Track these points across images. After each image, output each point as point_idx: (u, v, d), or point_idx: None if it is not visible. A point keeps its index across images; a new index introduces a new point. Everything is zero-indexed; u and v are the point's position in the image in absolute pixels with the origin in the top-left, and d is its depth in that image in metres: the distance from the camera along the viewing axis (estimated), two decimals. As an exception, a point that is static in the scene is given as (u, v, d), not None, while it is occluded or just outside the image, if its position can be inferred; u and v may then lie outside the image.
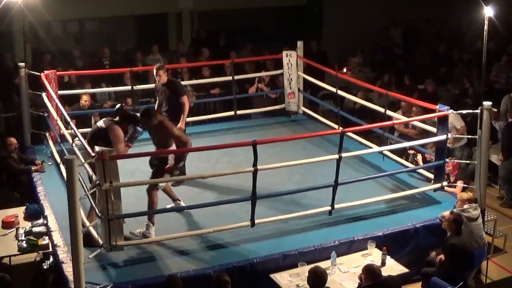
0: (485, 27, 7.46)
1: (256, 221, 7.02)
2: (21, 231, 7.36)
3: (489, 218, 8.31)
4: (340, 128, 9.83)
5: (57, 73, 9.69)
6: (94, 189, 6.27)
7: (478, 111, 7.55)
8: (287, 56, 10.86)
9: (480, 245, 7.19)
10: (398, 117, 9.31)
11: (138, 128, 7.30)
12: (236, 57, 12.11)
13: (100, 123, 7.15)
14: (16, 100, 10.54)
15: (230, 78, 10.78)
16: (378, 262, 6.65)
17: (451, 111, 7.80)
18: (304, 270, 6.36)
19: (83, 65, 11.90)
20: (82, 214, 6.82)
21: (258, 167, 6.74)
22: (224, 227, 7.03)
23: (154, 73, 8.58)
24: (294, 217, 7.38)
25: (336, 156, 7.17)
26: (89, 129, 9.73)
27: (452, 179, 8.33)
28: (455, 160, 8.46)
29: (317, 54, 13.39)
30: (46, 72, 9.38)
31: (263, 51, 12.36)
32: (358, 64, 14.33)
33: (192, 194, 8.01)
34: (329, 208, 7.34)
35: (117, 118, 7.17)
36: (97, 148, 6.13)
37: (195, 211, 7.57)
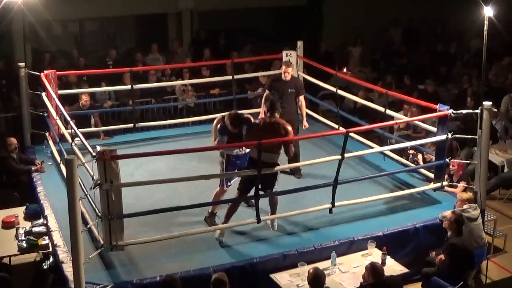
0: (485, 27, 7.46)
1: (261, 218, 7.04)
2: (21, 231, 7.35)
3: (489, 218, 8.32)
4: (341, 127, 9.91)
5: (57, 73, 9.67)
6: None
7: (478, 111, 7.56)
8: (287, 56, 10.83)
9: (480, 245, 7.20)
10: (399, 117, 9.33)
11: None
12: (236, 57, 12.10)
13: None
14: (16, 100, 10.55)
15: (230, 77, 10.77)
16: (378, 262, 6.65)
17: (451, 111, 7.80)
18: (304, 270, 6.36)
19: (85, 64, 11.90)
20: (84, 211, 6.86)
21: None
22: (228, 225, 7.05)
23: (283, 69, 8.77)
24: (294, 217, 7.38)
25: (339, 157, 7.16)
26: (89, 129, 9.83)
27: (455, 179, 8.32)
28: (460, 161, 8.47)
29: (324, 54, 13.40)
30: (46, 72, 9.38)
31: (263, 51, 12.35)
32: (359, 55, 14.34)
33: (193, 194, 8.00)
34: (329, 206, 7.33)
35: None
36: (98, 148, 6.13)
37: (196, 210, 7.53)
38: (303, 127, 8.98)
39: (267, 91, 9.01)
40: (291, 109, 8.74)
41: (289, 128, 7.13)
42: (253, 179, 6.91)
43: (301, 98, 8.97)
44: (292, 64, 8.97)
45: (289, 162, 8.09)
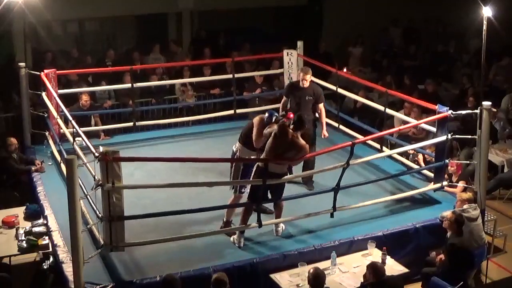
0: (484, 27, 7.47)
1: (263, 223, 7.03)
2: (21, 231, 7.36)
3: (489, 218, 8.32)
4: (341, 126, 9.93)
5: (57, 72, 9.67)
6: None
7: (477, 111, 7.56)
8: (287, 55, 10.82)
9: (480, 245, 7.20)
10: (399, 116, 9.32)
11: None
12: (236, 57, 12.09)
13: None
14: (16, 100, 10.55)
15: (230, 76, 10.76)
16: (378, 262, 6.65)
17: (450, 112, 7.80)
18: (304, 270, 6.37)
19: (84, 65, 11.91)
20: (84, 211, 6.87)
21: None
22: (229, 229, 7.07)
23: (301, 77, 8.43)
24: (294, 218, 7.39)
25: (344, 165, 7.13)
26: (88, 128, 9.81)
27: (454, 179, 8.32)
28: (458, 161, 8.48)
29: (323, 55, 13.41)
30: (46, 71, 9.37)
31: (262, 51, 12.35)
32: (360, 55, 14.34)
33: (192, 194, 8.00)
34: (331, 210, 7.30)
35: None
36: (101, 149, 6.12)
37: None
38: (322, 137, 8.75)
39: (284, 98, 8.75)
40: (308, 117, 8.36)
41: (305, 145, 7.00)
42: (265, 188, 6.90)
43: (321, 106, 8.59)
44: (310, 71, 8.58)
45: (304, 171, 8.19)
